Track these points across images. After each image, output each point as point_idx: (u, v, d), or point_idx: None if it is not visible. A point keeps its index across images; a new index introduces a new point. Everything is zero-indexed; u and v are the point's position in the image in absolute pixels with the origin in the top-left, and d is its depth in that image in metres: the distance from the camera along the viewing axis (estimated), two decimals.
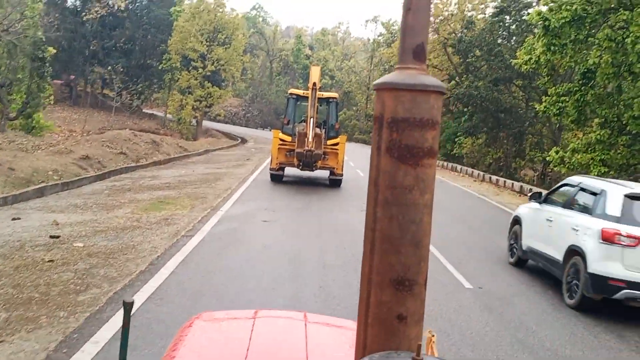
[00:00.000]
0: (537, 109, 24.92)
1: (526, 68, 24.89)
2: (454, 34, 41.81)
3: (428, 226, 1.47)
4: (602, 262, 8.00)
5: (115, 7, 55.43)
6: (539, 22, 21.79)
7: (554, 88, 23.98)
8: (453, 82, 43.87)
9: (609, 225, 8.06)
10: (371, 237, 1.47)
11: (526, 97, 37.39)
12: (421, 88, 1.43)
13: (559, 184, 11.19)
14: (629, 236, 7.91)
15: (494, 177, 30.20)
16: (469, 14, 41.99)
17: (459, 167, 36.07)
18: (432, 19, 41.25)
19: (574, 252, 8.54)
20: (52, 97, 38.45)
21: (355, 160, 30.62)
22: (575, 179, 10.28)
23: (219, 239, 10.66)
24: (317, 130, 18.12)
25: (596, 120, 23.25)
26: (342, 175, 19.85)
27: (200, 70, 48.02)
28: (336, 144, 19.46)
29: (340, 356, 2.27)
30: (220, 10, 49.56)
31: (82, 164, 19.88)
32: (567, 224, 9.06)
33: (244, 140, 50.26)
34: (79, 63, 53.87)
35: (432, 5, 42.44)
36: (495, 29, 37.48)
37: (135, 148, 25.77)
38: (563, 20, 20.79)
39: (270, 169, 20.13)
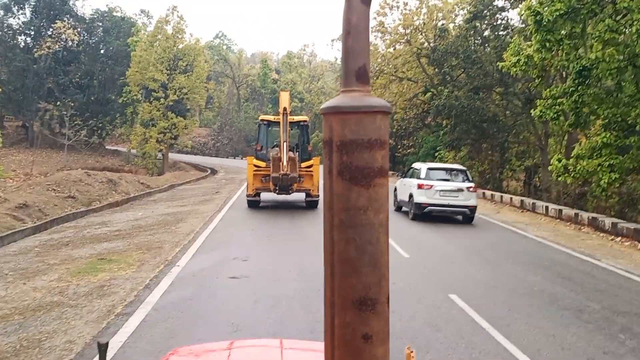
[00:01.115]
0: (532, 115, 22.44)
1: (515, 70, 22.54)
2: (427, 44, 39.53)
3: (385, 245, 1.45)
4: (419, 197, 17.97)
5: (69, 42, 52.24)
6: (530, 17, 19.38)
7: (548, 90, 21.51)
8: (429, 93, 41.54)
9: (421, 181, 17.97)
10: (330, 260, 1.46)
11: (504, 104, 35.13)
12: (367, 109, 1.42)
13: (408, 167, 23.19)
14: (427, 185, 17.82)
15: (483, 192, 27.51)
16: (440, 23, 39.81)
17: None
18: (402, 29, 39.06)
19: (411, 195, 18.46)
20: (0, 140, 34.80)
21: None
22: (413, 165, 21.02)
23: (168, 316, 7.56)
24: (291, 153, 18.12)
25: (598, 122, 20.84)
26: (318, 196, 19.55)
27: (162, 100, 44.90)
28: (310, 166, 19.50)
29: None
30: (179, 36, 46.65)
31: (18, 214, 16.64)
32: (409, 184, 18.88)
33: (213, 171, 47.10)
34: (32, 102, 50.24)
35: (401, 16, 40.47)
36: (470, 35, 35.26)
37: (87, 190, 22.52)
38: (557, 14, 18.43)
39: (247, 195, 19.89)
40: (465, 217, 18.33)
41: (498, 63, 24.57)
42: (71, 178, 23.36)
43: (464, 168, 20.29)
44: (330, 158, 1.43)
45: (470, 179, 18.90)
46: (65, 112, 38.47)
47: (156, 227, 15.75)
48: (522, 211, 21.42)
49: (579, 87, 19.48)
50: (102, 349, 2.14)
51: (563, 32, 19.07)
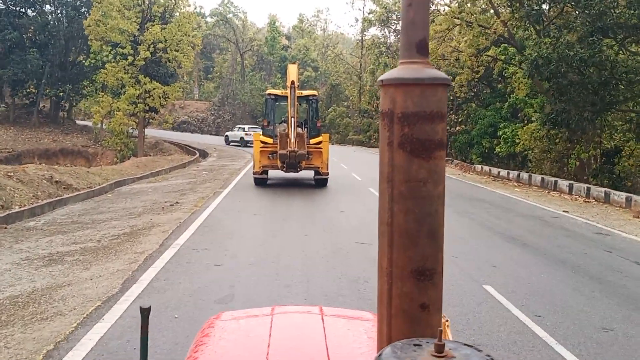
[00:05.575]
0: None
1: None
2: None
3: (442, 216, 1.42)
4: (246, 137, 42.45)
5: None
6: None
7: None
8: (502, 46, 28.11)
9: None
10: (388, 231, 1.42)
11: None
12: (429, 82, 1.38)
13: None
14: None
15: (600, 192, 14.48)
16: None
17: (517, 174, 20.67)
18: None
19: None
20: None
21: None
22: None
23: None
24: (299, 129, 16.89)
25: None
26: (327, 174, 18.11)
27: (131, 58, 31.88)
28: (319, 143, 17.96)
29: (359, 347, 2.12)
30: None
31: None
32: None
33: (204, 154, 34.36)
34: None
35: None
36: None
37: None
38: None
39: (254, 173, 18.15)
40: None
41: None
42: None
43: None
44: (391, 129, 1.39)
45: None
46: None
47: None
48: None
49: None
50: (145, 313, 1.99)
51: None
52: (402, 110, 1.37)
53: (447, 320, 1.74)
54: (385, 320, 1.42)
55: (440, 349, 1.21)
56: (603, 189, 17.08)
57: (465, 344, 1.27)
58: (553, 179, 20.30)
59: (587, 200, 16.82)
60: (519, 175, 22.59)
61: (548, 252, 9.68)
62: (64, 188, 16.77)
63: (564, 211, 14.61)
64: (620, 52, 20.98)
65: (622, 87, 21.10)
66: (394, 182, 1.38)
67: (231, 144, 45.19)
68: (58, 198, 15.19)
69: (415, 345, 1.26)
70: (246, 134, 43.91)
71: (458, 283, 7.53)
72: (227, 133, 49.41)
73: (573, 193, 17.99)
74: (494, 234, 11.36)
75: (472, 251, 9.63)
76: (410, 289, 1.38)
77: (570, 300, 6.97)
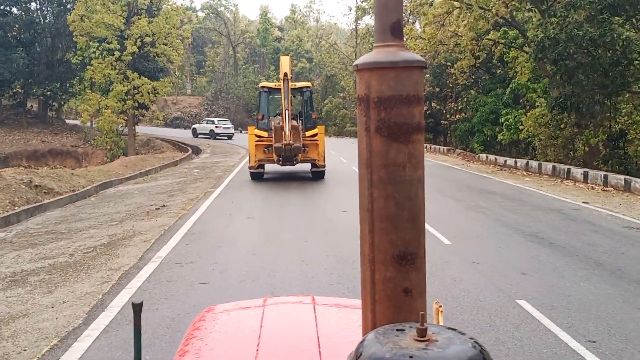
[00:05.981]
0: None
1: None
2: None
3: (422, 200, 1.38)
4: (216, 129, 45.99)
5: None
6: None
7: None
8: (492, 32, 26.76)
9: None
10: (369, 217, 1.38)
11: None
12: (404, 64, 1.34)
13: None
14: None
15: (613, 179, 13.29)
16: None
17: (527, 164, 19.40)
18: None
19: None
20: None
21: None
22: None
23: None
24: (294, 122, 16.70)
25: None
26: (324, 166, 17.84)
27: (117, 53, 30.54)
28: (315, 135, 17.66)
29: (350, 335, 2.04)
30: None
31: None
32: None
33: (196, 151, 33.12)
34: None
35: None
36: None
37: None
38: None
39: (250, 168, 17.92)
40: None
41: None
42: None
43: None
44: (368, 115, 1.36)
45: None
46: None
47: None
48: None
49: None
50: (137, 309, 1.92)
51: None
52: (378, 94, 1.32)
53: (440, 306, 1.70)
54: (369, 307, 1.39)
55: (422, 333, 1.14)
56: (622, 177, 15.90)
57: (449, 328, 1.18)
58: (565, 167, 19.12)
59: (605, 188, 15.67)
60: (527, 163, 21.41)
61: (580, 253, 8.53)
62: (45, 193, 15.60)
63: (583, 202, 13.46)
64: (632, 31, 19.77)
65: (633, 67, 19.96)
66: (372, 168, 1.35)
67: (199, 136, 45.65)
68: (37, 204, 14.03)
69: (398, 330, 1.19)
70: (216, 127, 45.75)
71: (486, 298, 6.38)
72: (194, 126, 49.74)
73: (589, 181, 16.84)
74: (514, 231, 10.20)
75: (494, 254, 8.48)
76: (393, 274, 1.35)
77: (625, 317, 5.82)
